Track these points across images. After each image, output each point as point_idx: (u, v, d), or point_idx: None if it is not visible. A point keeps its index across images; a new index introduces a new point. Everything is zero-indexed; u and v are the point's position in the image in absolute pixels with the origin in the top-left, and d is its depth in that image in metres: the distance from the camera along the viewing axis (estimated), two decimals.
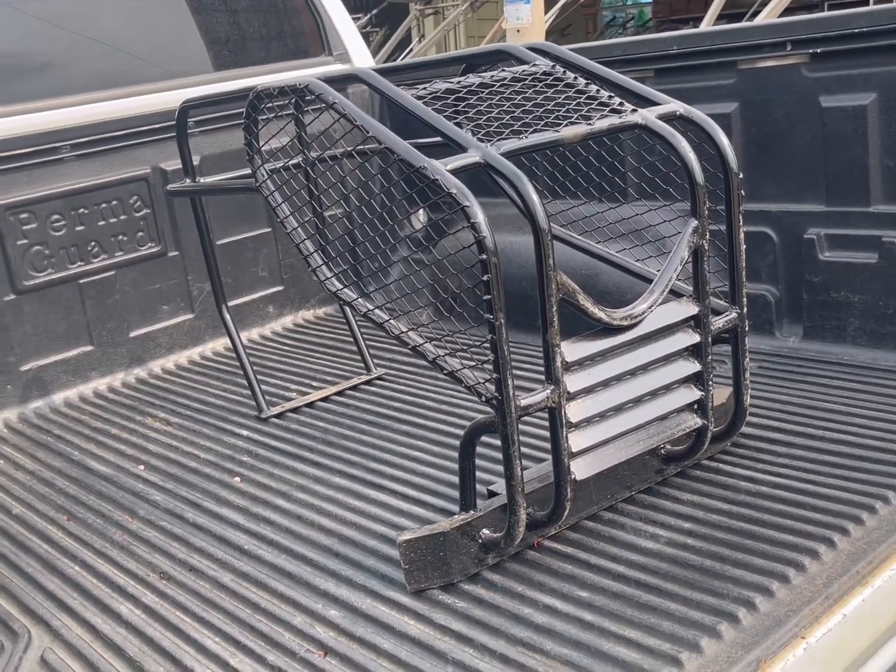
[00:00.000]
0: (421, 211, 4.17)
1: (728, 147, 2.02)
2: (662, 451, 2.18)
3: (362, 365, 3.27)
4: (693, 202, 1.97)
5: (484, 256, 1.69)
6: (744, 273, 2.09)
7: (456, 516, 1.96)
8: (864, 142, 2.73)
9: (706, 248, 1.99)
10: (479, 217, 1.69)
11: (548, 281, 1.75)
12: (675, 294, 2.09)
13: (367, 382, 3.18)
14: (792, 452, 2.27)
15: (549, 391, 1.82)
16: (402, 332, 1.91)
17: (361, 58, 4.27)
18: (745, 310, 2.10)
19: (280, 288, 3.96)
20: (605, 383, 1.91)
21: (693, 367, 2.03)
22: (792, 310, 2.97)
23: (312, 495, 2.41)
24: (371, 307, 1.99)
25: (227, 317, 3.10)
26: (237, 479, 2.58)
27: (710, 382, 2.05)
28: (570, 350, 1.85)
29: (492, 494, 2.06)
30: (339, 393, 3.10)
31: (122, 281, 3.58)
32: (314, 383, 3.22)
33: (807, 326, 2.93)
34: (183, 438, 2.91)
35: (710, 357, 2.04)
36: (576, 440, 1.88)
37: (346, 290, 2.07)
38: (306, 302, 4.04)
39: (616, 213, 2.43)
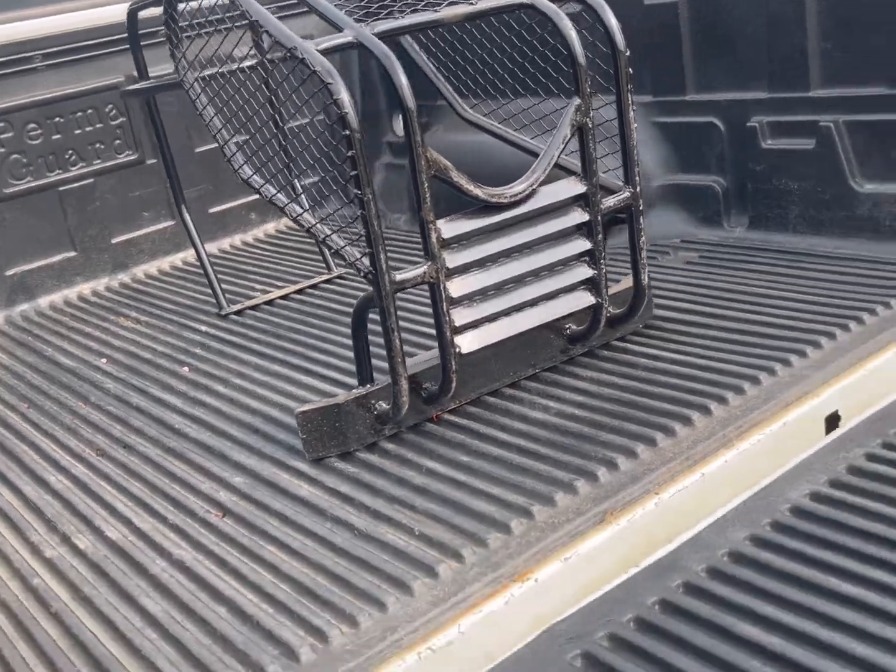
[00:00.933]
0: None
1: (615, 27, 2.04)
2: (567, 330, 2.24)
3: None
4: (576, 81, 2.00)
5: (347, 132, 1.75)
6: (636, 152, 2.12)
7: (354, 390, 2.06)
8: (803, 25, 2.70)
9: (591, 126, 2.02)
10: (343, 94, 1.75)
11: (417, 158, 1.81)
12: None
13: (328, 281, 3.27)
14: (703, 332, 2.32)
15: (425, 267, 1.89)
16: (298, 216, 1.99)
17: None
18: (638, 188, 2.14)
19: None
20: (488, 260, 1.98)
21: (584, 244, 2.08)
22: (738, 200, 2.98)
23: (250, 381, 2.53)
24: (274, 192, 2.07)
25: (188, 218, 3.20)
26: (186, 368, 2.71)
27: (603, 261, 2.10)
28: (448, 227, 1.91)
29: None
30: (300, 291, 3.21)
31: (102, 188, 3.70)
32: (278, 283, 3.33)
33: (752, 216, 2.95)
34: (146, 334, 3.05)
35: (600, 235, 2.09)
36: (459, 315, 1.96)
37: (254, 176, 2.15)
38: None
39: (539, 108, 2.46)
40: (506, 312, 2.03)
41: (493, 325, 2.02)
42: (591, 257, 2.10)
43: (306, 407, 2.02)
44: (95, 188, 3.69)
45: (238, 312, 3.10)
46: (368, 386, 2.06)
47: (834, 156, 2.68)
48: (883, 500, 1.63)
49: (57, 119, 3.56)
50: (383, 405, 2.04)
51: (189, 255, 3.92)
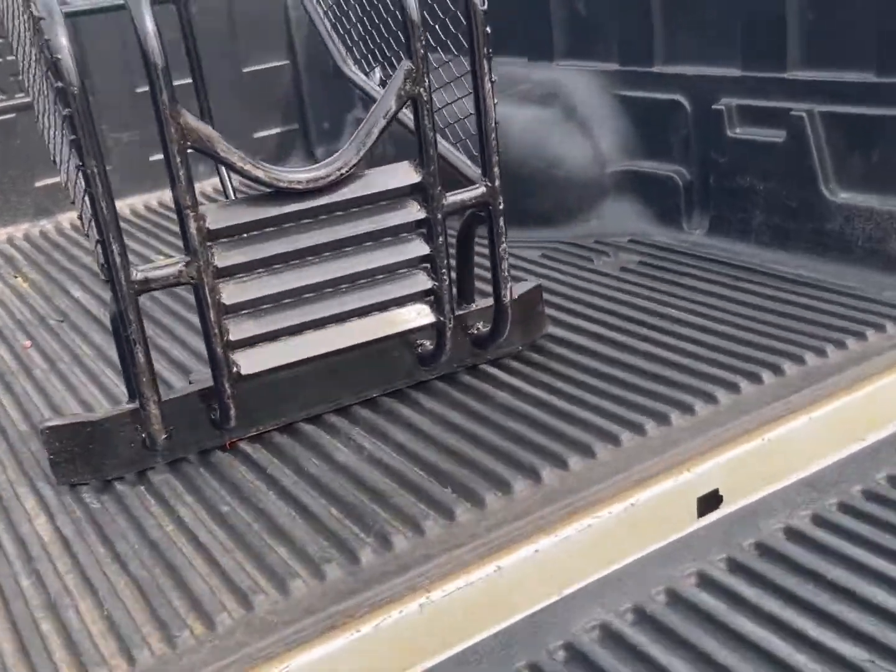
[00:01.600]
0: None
1: None
2: (419, 348, 1.82)
3: None
4: (406, 40, 1.55)
5: (60, 84, 1.35)
6: (494, 135, 1.66)
7: (120, 406, 1.68)
8: None
9: (426, 98, 1.57)
10: (59, 36, 1.34)
11: (165, 123, 1.40)
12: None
13: None
14: (594, 364, 1.87)
15: (182, 263, 1.48)
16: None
17: None
18: (497, 182, 1.68)
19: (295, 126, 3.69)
20: (277, 261, 1.56)
21: (420, 248, 1.65)
22: (702, 197, 2.49)
23: (80, 371, 2.16)
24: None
25: None
26: (28, 343, 2.37)
27: (445, 269, 1.66)
28: (218, 215, 1.50)
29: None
30: None
31: (25, 124, 3.35)
32: None
33: (713, 217, 2.45)
34: (25, 294, 2.73)
35: (441, 238, 1.65)
36: (237, 328, 1.55)
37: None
38: None
39: None
40: (303, 328, 1.61)
41: (285, 343, 1.61)
42: (430, 264, 1.66)
43: (56, 421, 1.64)
44: (17, 123, 3.35)
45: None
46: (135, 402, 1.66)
47: (805, 153, 2.17)
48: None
49: None
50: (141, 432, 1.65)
51: (123, 205, 3.58)
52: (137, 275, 1.46)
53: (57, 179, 3.41)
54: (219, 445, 1.74)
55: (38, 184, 3.43)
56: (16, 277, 2.95)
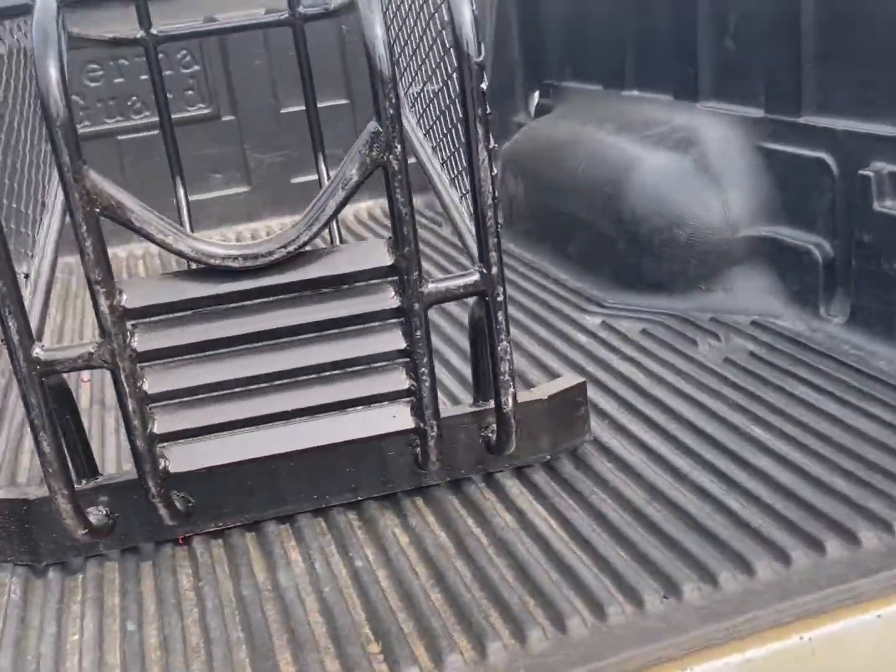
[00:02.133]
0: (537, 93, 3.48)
1: (461, 8, 1.27)
2: (417, 449, 1.54)
3: None
4: (374, 96, 1.27)
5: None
6: (494, 213, 1.34)
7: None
8: None
9: (397, 166, 1.28)
10: (49, 68, 1.17)
11: (68, 187, 1.20)
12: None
13: None
14: (634, 495, 1.52)
15: (92, 345, 1.29)
16: None
17: None
18: (495, 269, 1.37)
19: None
20: (213, 346, 1.33)
21: (394, 341, 1.37)
22: (844, 278, 2.03)
23: None
24: None
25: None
26: (87, 378, 2.29)
27: (425, 368, 1.37)
28: (139, 292, 1.29)
29: None
30: None
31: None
32: None
33: (854, 305, 1.99)
34: None
35: (420, 332, 1.36)
36: (165, 419, 1.34)
37: None
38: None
39: None
40: (247, 424, 1.37)
41: (225, 439, 1.37)
42: (408, 359, 1.38)
43: None
44: (159, 141, 3.33)
45: None
46: (84, 482, 1.49)
47: None
48: None
49: (121, 61, 3.23)
50: (97, 514, 1.47)
51: (261, 226, 3.51)
52: (41, 354, 1.27)
53: (197, 198, 3.40)
54: (172, 539, 1.53)
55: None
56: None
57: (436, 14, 1.72)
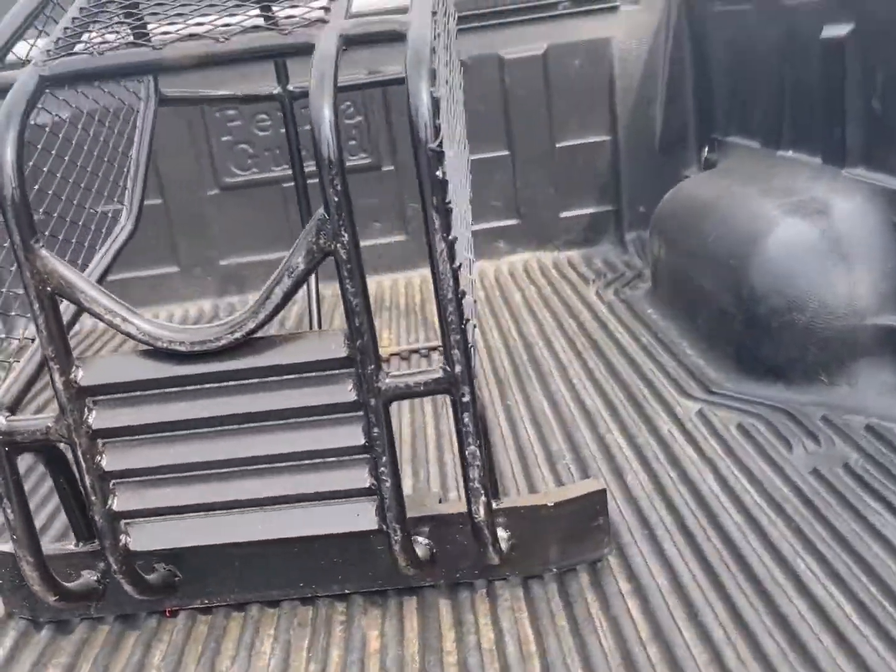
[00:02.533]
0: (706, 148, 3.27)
1: (420, 97, 1.17)
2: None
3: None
4: (320, 182, 1.19)
5: None
6: (456, 308, 1.22)
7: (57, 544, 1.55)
8: None
9: (345, 255, 1.20)
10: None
11: (20, 266, 1.22)
12: None
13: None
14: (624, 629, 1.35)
15: (50, 420, 1.30)
16: None
17: None
18: (458, 367, 1.24)
19: (514, 221, 3.44)
20: (168, 427, 1.31)
21: (353, 436, 1.28)
22: None
23: None
24: None
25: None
26: None
27: (386, 467, 1.28)
28: (94, 370, 1.28)
29: None
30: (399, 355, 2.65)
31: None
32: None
33: None
34: None
35: (378, 429, 1.26)
36: (124, 496, 1.33)
37: None
38: (546, 242, 3.46)
39: None
40: (206, 508, 1.34)
41: (185, 522, 1.34)
42: (366, 455, 1.29)
43: (4, 546, 1.55)
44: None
45: None
46: (76, 544, 1.52)
47: None
48: None
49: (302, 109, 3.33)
50: (90, 575, 1.49)
51: (416, 275, 3.51)
52: (2, 425, 1.30)
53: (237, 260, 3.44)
54: (159, 610, 1.52)
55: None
56: None
57: None
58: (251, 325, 1.24)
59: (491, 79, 3.31)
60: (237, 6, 1.37)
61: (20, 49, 1.47)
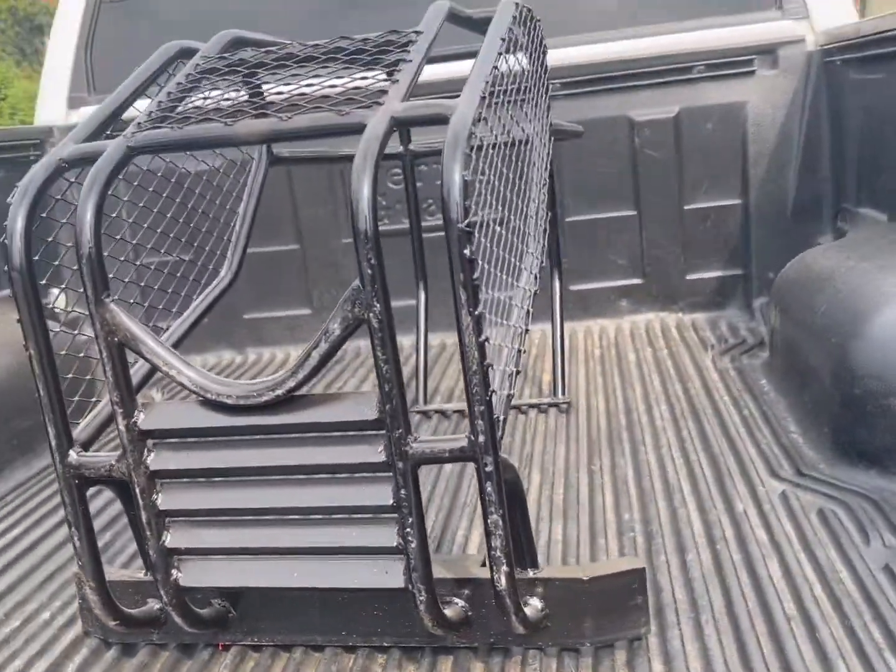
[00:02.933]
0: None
1: (453, 178, 1.22)
2: (446, 606, 1.49)
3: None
4: (357, 255, 1.26)
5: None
6: (481, 380, 1.26)
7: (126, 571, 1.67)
8: None
9: (377, 324, 1.26)
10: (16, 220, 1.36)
11: (92, 318, 1.35)
12: None
13: (552, 405, 2.67)
14: None
15: (114, 458, 1.42)
16: None
17: (829, 14, 3.32)
18: (482, 438, 1.28)
19: (639, 281, 3.44)
20: (216, 473, 1.40)
21: (382, 495, 1.34)
22: None
23: None
24: None
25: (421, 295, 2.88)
26: None
27: (413, 528, 1.33)
28: (152, 415, 1.39)
29: None
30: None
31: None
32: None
33: None
34: None
35: (405, 491, 1.31)
36: (176, 535, 1.43)
37: None
38: (671, 304, 3.44)
39: None
40: (247, 552, 1.42)
41: (228, 563, 1.43)
42: (395, 515, 1.34)
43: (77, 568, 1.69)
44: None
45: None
46: (144, 573, 1.64)
47: None
48: None
49: (422, 167, 3.46)
50: (153, 604, 1.61)
51: (535, 329, 3.54)
52: (73, 459, 1.43)
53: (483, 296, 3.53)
54: (212, 643, 1.62)
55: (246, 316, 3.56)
56: None
57: None
58: (291, 384, 1.32)
59: (621, 139, 3.33)
60: (317, 71, 1.48)
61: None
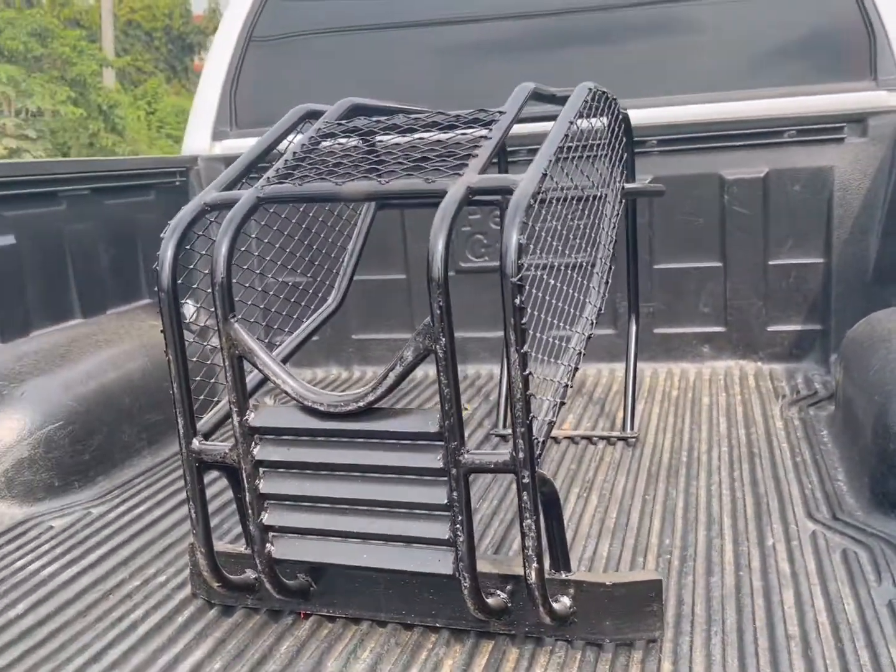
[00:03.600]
0: None
1: (511, 242, 1.50)
2: (490, 597, 1.77)
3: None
4: (429, 298, 1.55)
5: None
6: (523, 408, 1.53)
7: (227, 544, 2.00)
8: None
9: (441, 354, 1.55)
10: (165, 250, 1.71)
11: (219, 334, 1.68)
12: None
13: (621, 439, 2.91)
14: None
15: (227, 447, 1.75)
16: None
17: None
18: (521, 454, 1.55)
19: (721, 329, 3.64)
20: (307, 467, 1.71)
21: (436, 494, 1.63)
22: None
23: None
24: None
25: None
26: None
27: (462, 525, 1.61)
28: (260, 415, 1.72)
29: None
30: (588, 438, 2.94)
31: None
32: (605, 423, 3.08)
33: None
34: None
35: (456, 493, 1.60)
36: (271, 515, 1.75)
37: None
38: (751, 353, 3.63)
39: None
40: (330, 535, 1.73)
41: (314, 542, 1.74)
42: (448, 513, 1.63)
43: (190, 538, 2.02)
44: (541, 281, 3.80)
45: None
46: (245, 547, 1.96)
47: None
48: None
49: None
50: (250, 573, 1.93)
51: (619, 368, 3.77)
52: (195, 446, 1.76)
53: (561, 333, 3.78)
54: (294, 611, 1.93)
55: (549, 334, 3.80)
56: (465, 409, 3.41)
57: None
58: (370, 398, 1.62)
59: (711, 195, 3.55)
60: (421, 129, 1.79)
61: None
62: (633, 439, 2.88)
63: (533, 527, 1.58)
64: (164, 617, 1.97)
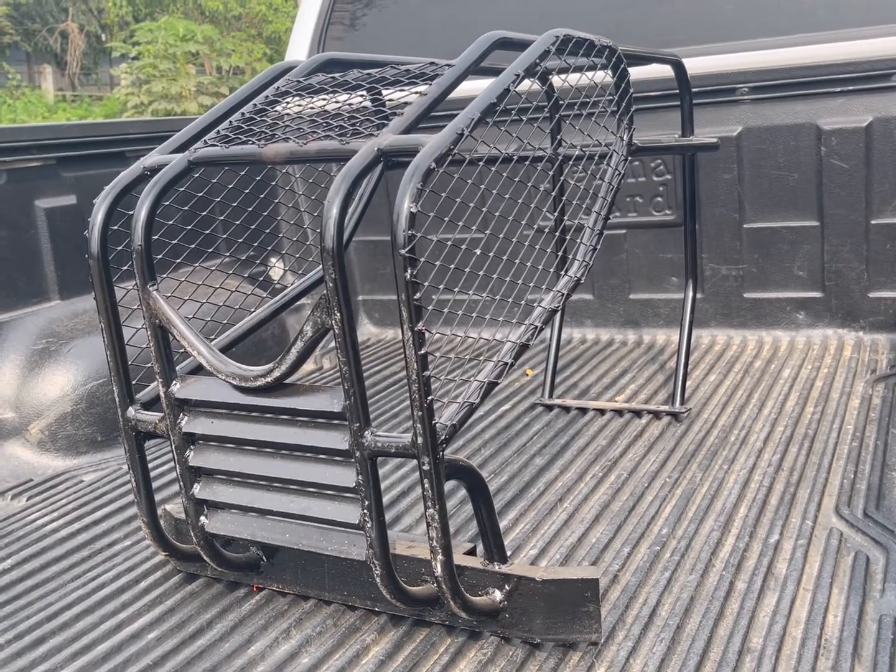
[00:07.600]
0: None
1: (402, 208, 1.36)
2: (419, 580, 1.68)
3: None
4: (323, 269, 1.44)
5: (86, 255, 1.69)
6: (420, 389, 1.40)
7: None
8: None
9: (338, 330, 1.44)
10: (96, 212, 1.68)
11: (140, 302, 1.64)
12: None
13: (669, 413, 2.72)
14: None
15: (158, 418, 1.72)
16: None
17: None
18: (420, 439, 1.43)
19: (818, 294, 3.34)
20: (230, 441, 1.65)
21: (344, 476, 1.53)
22: None
23: None
24: None
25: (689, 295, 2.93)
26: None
27: (370, 511, 1.51)
28: (183, 386, 1.67)
29: None
30: (618, 411, 2.77)
31: (632, 242, 3.59)
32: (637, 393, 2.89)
33: None
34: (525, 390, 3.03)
35: (363, 476, 1.50)
36: (203, 488, 1.72)
37: None
38: (852, 321, 3.31)
39: None
40: (254, 511, 1.67)
41: (242, 517, 1.69)
42: (356, 496, 1.54)
43: (169, 506, 2.03)
44: (625, 240, 3.60)
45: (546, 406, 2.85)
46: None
47: None
48: None
49: (635, 162, 3.52)
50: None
51: (706, 333, 3.53)
52: (131, 415, 1.74)
53: (650, 296, 3.56)
54: (248, 584, 1.89)
55: (633, 296, 3.61)
56: (529, 372, 3.27)
57: None
58: (276, 374, 1.54)
59: (806, 148, 3.23)
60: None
61: None
62: (683, 414, 2.67)
63: (436, 516, 1.46)
64: (131, 580, 1.97)
